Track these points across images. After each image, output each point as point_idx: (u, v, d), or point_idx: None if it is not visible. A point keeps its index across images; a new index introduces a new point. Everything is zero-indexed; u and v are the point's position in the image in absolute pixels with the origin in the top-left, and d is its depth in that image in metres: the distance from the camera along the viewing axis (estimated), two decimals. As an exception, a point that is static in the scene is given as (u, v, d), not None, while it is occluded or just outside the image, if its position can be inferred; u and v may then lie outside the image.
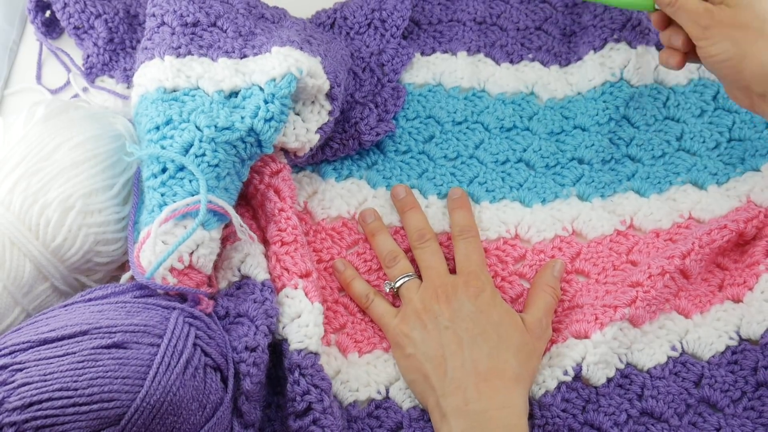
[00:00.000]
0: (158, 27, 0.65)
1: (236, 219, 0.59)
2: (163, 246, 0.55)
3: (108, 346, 0.49)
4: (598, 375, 0.61)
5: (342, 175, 0.71)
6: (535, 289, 0.64)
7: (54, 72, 0.77)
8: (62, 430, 0.46)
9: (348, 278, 0.65)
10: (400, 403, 0.61)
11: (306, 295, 0.60)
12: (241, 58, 0.63)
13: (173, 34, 0.64)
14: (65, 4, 0.73)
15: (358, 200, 0.70)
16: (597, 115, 0.74)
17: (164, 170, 0.58)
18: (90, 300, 0.55)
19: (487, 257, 0.67)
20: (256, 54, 0.64)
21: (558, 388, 0.60)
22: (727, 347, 0.63)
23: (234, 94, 0.62)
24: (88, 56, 0.74)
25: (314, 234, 0.68)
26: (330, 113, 0.66)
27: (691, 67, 0.76)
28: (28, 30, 0.79)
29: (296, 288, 0.60)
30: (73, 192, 0.57)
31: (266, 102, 0.60)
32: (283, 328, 0.59)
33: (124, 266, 0.63)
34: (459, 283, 0.61)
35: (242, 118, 0.59)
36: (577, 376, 0.61)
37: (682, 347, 0.63)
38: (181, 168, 0.57)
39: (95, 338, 0.50)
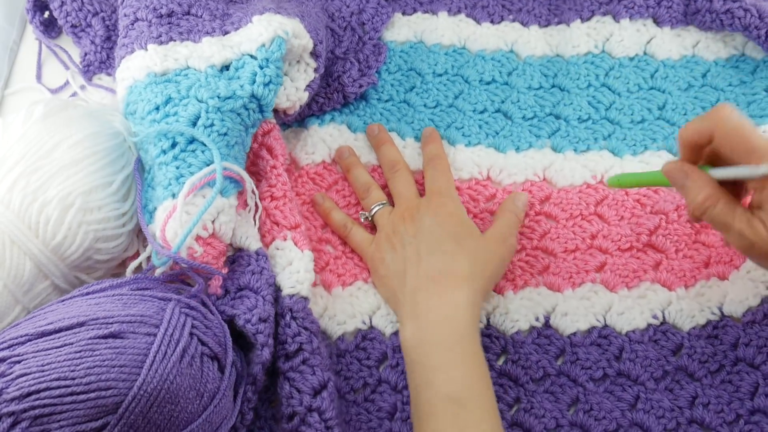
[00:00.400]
0: (133, 23, 0.66)
1: (249, 183, 0.62)
2: (188, 217, 0.57)
3: (105, 336, 0.49)
4: (566, 324, 0.64)
5: (324, 121, 0.73)
6: (498, 214, 0.67)
7: (54, 71, 0.78)
8: (60, 419, 0.47)
9: (327, 210, 0.68)
10: (383, 329, 0.64)
11: (295, 244, 0.62)
12: (224, 35, 0.65)
13: (150, 26, 0.65)
14: (62, 2, 0.74)
15: (339, 144, 0.72)
16: (578, 79, 0.75)
17: (174, 145, 0.59)
18: (87, 294, 0.55)
19: (459, 195, 0.69)
20: (237, 28, 0.65)
21: (530, 331, 0.64)
22: (709, 321, 0.64)
23: (226, 67, 0.63)
24: (86, 54, 0.75)
25: (297, 179, 0.70)
26: (316, 70, 0.68)
27: (686, 44, 0.77)
28: (29, 30, 0.80)
29: (285, 240, 0.62)
30: (72, 190, 0.58)
31: (261, 67, 0.62)
32: (276, 277, 0.61)
33: (125, 263, 0.63)
34: (423, 202, 0.65)
35: (242, 86, 0.61)
36: (548, 324, 0.64)
37: (664, 317, 0.64)
38: (191, 141, 0.59)
39: (92, 329, 0.50)
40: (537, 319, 0.64)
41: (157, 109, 0.60)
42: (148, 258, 0.60)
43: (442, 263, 0.60)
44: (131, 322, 0.51)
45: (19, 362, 0.49)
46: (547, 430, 0.60)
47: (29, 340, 0.51)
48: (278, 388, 0.57)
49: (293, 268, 0.61)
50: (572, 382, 0.62)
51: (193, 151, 0.59)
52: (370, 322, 0.64)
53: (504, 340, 0.64)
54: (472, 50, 0.77)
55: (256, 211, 0.63)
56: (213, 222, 0.58)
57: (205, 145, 0.59)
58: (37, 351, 0.49)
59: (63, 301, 0.55)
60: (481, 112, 0.74)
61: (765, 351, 0.61)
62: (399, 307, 0.61)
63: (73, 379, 0.47)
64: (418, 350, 0.57)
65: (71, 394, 0.47)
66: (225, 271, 0.60)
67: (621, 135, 0.73)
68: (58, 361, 0.48)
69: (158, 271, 0.57)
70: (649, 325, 0.64)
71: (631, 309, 0.64)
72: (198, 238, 0.57)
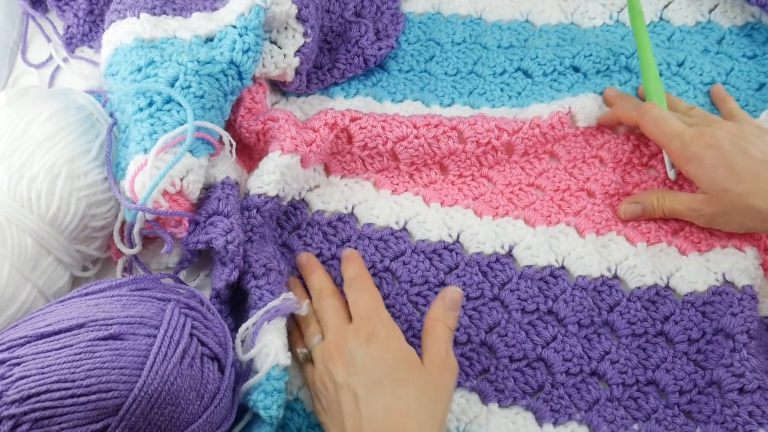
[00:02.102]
0: None
1: (226, 136, 0.64)
2: (156, 171, 0.58)
3: (105, 338, 0.49)
4: (525, 257, 0.66)
5: (350, 94, 0.75)
6: (426, 326, 0.60)
7: (38, 49, 0.79)
8: (61, 422, 0.47)
9: (310, 268, 0.65)
10: (360, 218, 0.68)
11: (281, 150, 0.64)
12: (213, 11, 0.67)
13: None
14: (47, -26, 0.75)
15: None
16: (596, 41, 0.78)
17: (151, 104, 0.61)
18: (86, 295, 0.55)
19: (486, 122, 0.69)
20: (225, 4, 0.68)
21: (490, 255, 0.67)
22: (655, 285, 0.66)
23: (210, 39, 0.65)
24: (69, 27, 0.76)
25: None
26: (304, 35, 0.69)
27: (702, 9, 0.80)
28: (29, 30, 0.80)
29: (274, 151, 0.65)
30: (56, 160, 0.58)
31: (240, 35, 0.64)
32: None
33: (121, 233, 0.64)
34: (350, 331, 0.58)
35: (221, 53, 0.63)
36: (510, 254, 0.67)
37: (616, 271, 0.67)
38: (168, 100, 0.61)
39: (92, 331, 0.50)
40: (502, 247, 0.67)
41: (139, 70, 0.62)
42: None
43: (385, 413, 0.53)
44: (131, 323, 0.51)
45: (18, 364, 0.49)
46: (458, 343, 0.63)
47: (28, 342, 0.50)
48: None
49: (261, 170, 0.64)
50: (503, 307, 0.65)
51: (169, 110, 0.61)
52: (352, 210, 0.68)
53: (461, 257, 0.66)
54: (488, 20, 0.80)
55: (231, 146, 0.65)
56: (182, 180, 0.60)
57: (181, 106, 0.60)
58: (37, 353, 0.49)
59: (62, 301, 0.55)
60: (501, 74, 0.76)
61: (688, 334, 0.64)
62: None
63: (74, 381, 0.47)
64: None
65: (72, 396, 0.47)
66: (194, 216, 0.62)
67: (636, 84, 0.75)
68: (58, 363, 0.48)
69: (135, 228, 0.60)
70: (601, 276, 0.66)
71: (590, 255, 0.67)
72: (165, 193, 0.59)
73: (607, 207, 0.70)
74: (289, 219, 0.68)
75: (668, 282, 0.66)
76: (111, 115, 0.65)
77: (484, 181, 0.71)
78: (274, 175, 0.64)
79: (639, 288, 0.65)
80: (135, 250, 0.62)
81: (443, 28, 0.79)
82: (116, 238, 0.62)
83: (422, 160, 0.69)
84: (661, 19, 0.80)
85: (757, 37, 0.78)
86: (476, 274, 0.66)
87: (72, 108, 0.62)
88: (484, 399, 0.61)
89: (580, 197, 0.70)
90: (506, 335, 0.63)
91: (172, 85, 0.61)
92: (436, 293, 0.64)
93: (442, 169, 0.71)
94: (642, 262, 0.66)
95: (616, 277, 0.66)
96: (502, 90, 0.75)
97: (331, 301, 0.62)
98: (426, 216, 0.68)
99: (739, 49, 0.78)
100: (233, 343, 0.56)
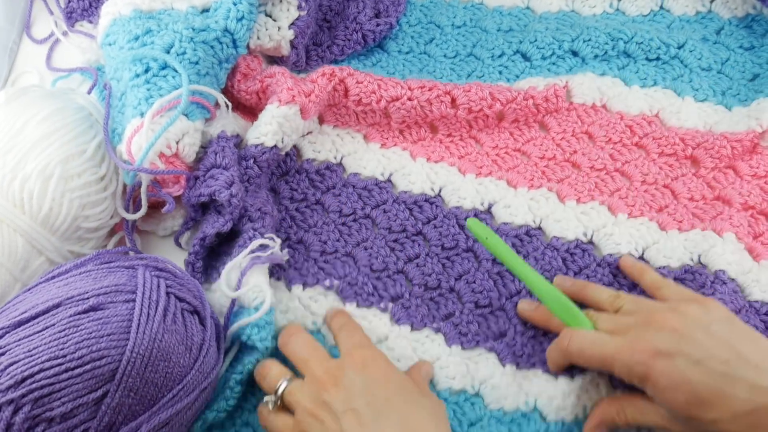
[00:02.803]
0: None
1: (221, 98, 0.66)
2: (152, 134, 0.60)
3: (85, 311, 0.50)
4: (503, 214, 0.68)
5: None
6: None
7: (38, 28, 0.81)
8: (61, 396, 0.48)
9: (290, 332, 0.58)
10: (346, 168, 0.70)
11: (279, 101, 0.66)
12: None
13: None
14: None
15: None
16: (596, 24, 0.79)
17: (147, 69, 0.63)
18: (53, 278, 0.55)
19: (481, 90, 0.70)
20: None
21: (469, 210, 0.68)
22: (628, 254, 0.66)
23: (206, 10, 0.68)
24: (69, 1, 0.78)
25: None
26: (298, 8, 0.72)
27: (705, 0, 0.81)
28: (33, 7, 0.82)
29: (272, 102, 0.66)
30: (49, 161, 0.59)
31: (235, 4, 0.66)
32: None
33: (114, 229, 0.65)
34: (344, 360, 0.54)
35: (216, 21, 0.66)
36: (489, 211, 0.68)
37: (592, 237, 0.67)
38: (164, 66, 0.63)
39: (70, 307, 0.51)
40: (482, 204, 0.69)
41: (137, 38, 0.64)
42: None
43: (401, 427, 0.49)
44: (107, 293, 0.52)
45: (2, 354, 0.50)
46: (429, 287, 0.65)
47: (7, 332, 0.51)
48: None
49: (259, 121, 0.66)
50: (475, 258, 0.66)
51: (165, 76, 0.63)
52: (341, 160, 0.71)
53: (441, 210, 0.68)
54: (489, 6, 0.82)
55: (228, 107, 0.68)
56: (177, 143, 0.62)
57: (176, 72, 0.63)
58: (19, 339, 0.50)
59: (29, 290, 0.55)
60: (500, 56, 0.77)
61: None
62: None
63: (65, 356, 0.48)
64: None
65: (66, 370, 0.48)
66: (191, 172, 0.64)
67: (634, 68, 0.76)
68: (45, 344, 0.49)
69: (143, 188, 0.62)
70: (576, 239, 0.67)
71: (569, 220, 0.68)
72: (161, 155, 0.61)
73: (591, 179, 0.70)
74: (278, 166, 0.69)
75: (643, 254, 0.66)
76: (105, 84, 0.66)
77: (472, 141, 0.72)
78: (271, 126, 0.65)
79: (611, 255, 0.66)
80: (140, 213, 0.63)
81: (444, 11, 0.81)
82: (118, 205, 0.63)
83: (413, 120, 0.71)
84: (661, 8, 0.81)
85: (756, 28, 0.79)
86: (453, 227, 0.67)
87: (70, 108, 0.62)
88: (448, 341, 0.62)
89: (565, 167, 0.71)
90: (474, 282, 0.65)
91: (168, 52, 0.63)
92: (414, 241, 0.67)
93: (431, 129, 0.73)
94: (619, 232, 0.67)
95: (591, 242, 0.67)
96: (500, 73, 0.76)
97: (302, 336, 0.57)
98: (411, 169, 0.70)
99: (736, 40, 0.79)
100: (220, 279, 0.58)
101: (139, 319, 0.51)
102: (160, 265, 0.56)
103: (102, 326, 0.50)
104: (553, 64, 0.77)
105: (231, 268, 0.58)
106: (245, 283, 0.57)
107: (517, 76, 0.76)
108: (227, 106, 0.67)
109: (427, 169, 0.70)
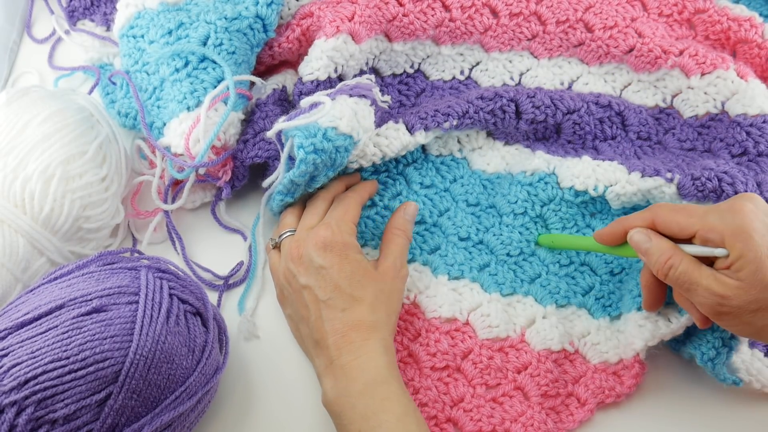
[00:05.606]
0: None
1: (259, 81, 0.68)
2: (209, 128, 0.63)
3: (88, 313, 0.51)
4: (482, 78, 0.74)
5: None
6: (387, 235, 0.64)
7: (40, 27, 0.81)
8: (64, 398, 0.48)
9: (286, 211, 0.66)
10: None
11: (326, 36, 0.66)
12: None
13: None
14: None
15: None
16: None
17: (187, 64, 0.65)
18: (55, 279, 0.56)
19: None
20: None
21: (450, 80, 0.74)
22: (657, 106, 0.72)
23: None
24: (71, 0, 0.77)
25: None
26: None
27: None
28: (34, 7, 0.82)
29: (319, 38, 0.67)
30: (50, 161, 0.59)
31: None
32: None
33: (117, 229, 0.66)
34: (310, 235, 0.61)
35: (246, 7, 0.67)
36: (470, 77, 0.74)
37: (570, 85, 0.73)
38: (202, 59, 0.65)
39: (73, 309, 0.51)
40: (462, 73, 0.74)
41: (170, 33, 0.66)
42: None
43: (343, 313, 0.58)
44: (110, 294, 0.52)
45: (6, 355, 0.50)
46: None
47: (9, 334, 0.51)
48: None
49: (309, 57, 0.67)
50: (458, 109, 0.68)
51: (205, 68, 0.65)
52: (337, 73, 0.70)
53: (424, 83, 0.74)
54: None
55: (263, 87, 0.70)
56: (224, 133, 0.65)
57: (215, 63, 0.64)
58: (22, 341, 0.50)
59: (31, 291, 0.55)
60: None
61: (686, 145, 0.71)
62: (312, 358, 0.60)
63: (68, 358, 0.48)
64: (341, 402, 0.55)
65: (69, 372, 0.48)
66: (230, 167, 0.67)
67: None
68: (48, 345, 0.49)
69: (190, 180, 0.65)
70: (556, 90, 0.72)
71: (546, 74, 0.73)
72: (213, 147, 0.64)
73: (559, 34, 0.73)
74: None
75: (672, 101, 0.72)
76: (127, 72, 0.68)
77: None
78: (321, 61, 0.66)
79: (642, 105, 0.72)
80: (180, 203, 0.65)
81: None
82: (154, 195, 0.65)
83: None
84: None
85: None
86: (444, 95, 0.73)
87: (71, 109, 0.62)
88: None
89: (532, 23, 0.73)
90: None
91: (204, 44, 0.65)
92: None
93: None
94: (646, 86, 0.72)
95: (569, 88, 0.73)
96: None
97: (318, 203, 0.64)
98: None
99: None
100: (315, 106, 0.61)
101: (143, 321, 0.51)
102: (163, 266, 0.56)
103: (105, 328, 0.50)
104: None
105: (321, 95, 0.62)
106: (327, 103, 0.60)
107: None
108: (263, 86, 0.69)
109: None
